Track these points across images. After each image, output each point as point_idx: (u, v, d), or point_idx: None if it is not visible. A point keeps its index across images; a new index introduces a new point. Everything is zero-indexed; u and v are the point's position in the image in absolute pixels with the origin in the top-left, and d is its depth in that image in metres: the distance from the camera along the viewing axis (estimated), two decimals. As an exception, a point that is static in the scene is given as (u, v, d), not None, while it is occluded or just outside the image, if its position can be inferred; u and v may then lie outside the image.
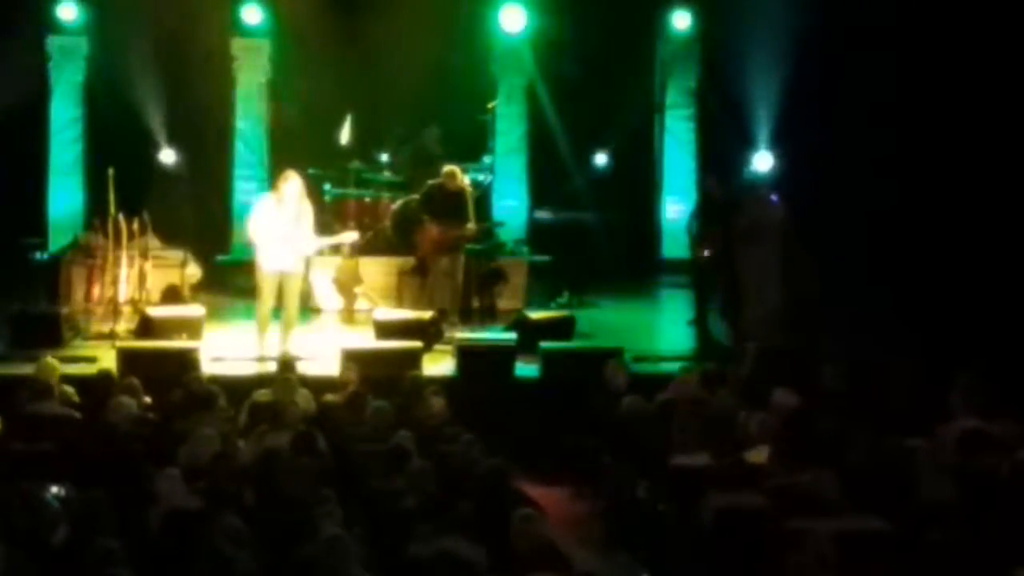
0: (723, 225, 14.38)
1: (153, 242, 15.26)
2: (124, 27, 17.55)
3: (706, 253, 14.55)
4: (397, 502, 8.65)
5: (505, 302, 15.79)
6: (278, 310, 13.45)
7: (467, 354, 13.15)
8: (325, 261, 15.69)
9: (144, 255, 15.01)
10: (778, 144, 17.71)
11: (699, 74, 18.65)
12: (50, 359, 11.72)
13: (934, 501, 8.35)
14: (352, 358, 12.37)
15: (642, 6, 18.50)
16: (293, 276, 13.42)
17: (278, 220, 13.26)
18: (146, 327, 13.92)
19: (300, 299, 13.71)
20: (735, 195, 14.99)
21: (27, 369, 11.84)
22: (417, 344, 13.19)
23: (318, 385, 11.88)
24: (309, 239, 13.50)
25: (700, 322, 14.70)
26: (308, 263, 14.55)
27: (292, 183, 13.29)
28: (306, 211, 13.40)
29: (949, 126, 16.54)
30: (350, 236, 14.72)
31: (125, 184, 14.82)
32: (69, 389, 11.35)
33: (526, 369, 13.21)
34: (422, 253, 15.40)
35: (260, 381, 11.91)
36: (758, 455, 9.62)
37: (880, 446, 9.61)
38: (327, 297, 15.79)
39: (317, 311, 15.60)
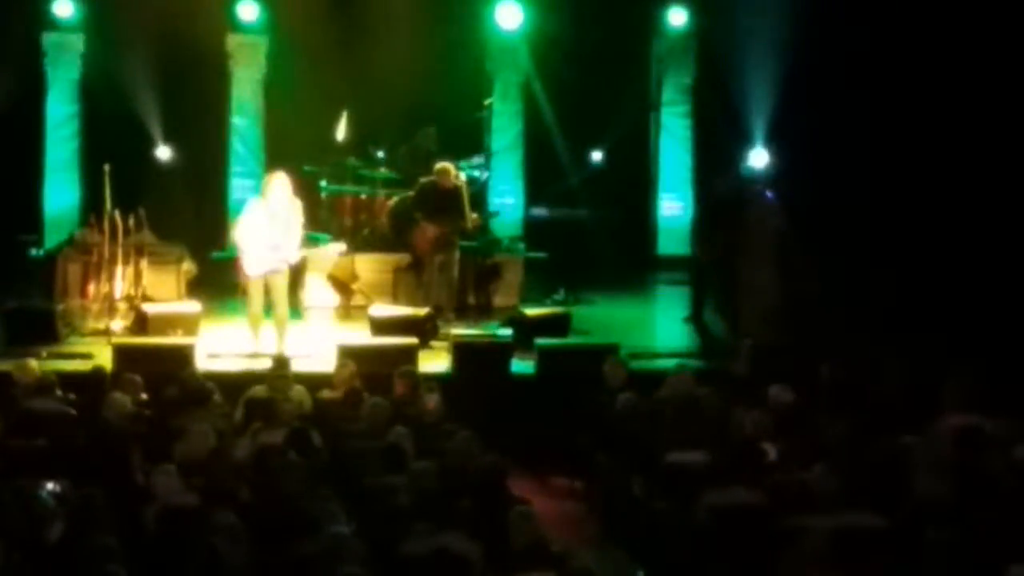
0: (727, 221, 14.38)
1: (149, 238, 15.25)
2: (120, 24, 17.52)
3: (708, 257, 14.56)
4: (393, 499, 8.64)
5: (501, 299, 15.79)
6: (271, 308, 13.45)
7: (463, 351, 13.15)
8: (321, 258, 15.68)
9: (140, 251, 14.98)
10: (774, 141, 17.69)
11: (695, 71, 18.64)
12: (30, 360, 11.70)
13: (930, 498, 8.35)
14: (348, 355, 12.35)
15: (638, 3, 18.50)
16: (279, 276, 13.35)
17: (266, 225, 13.15)
18: (142, 323, 13.93)
19: (291, 295, 13.69)
20: (739, 191, 14.99)
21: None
22: (413, 341, 13.19)
23: (314, 382, 11.87)
24: (296, 247, 13.40)
25: (697, 318, 14.70)
26: (303, 262, 14.53)
27: (278, 183, 13.19)
28: (296, 213, 13.31)
29: (946, 122, 16.53)
30: (337, 247, 14.70)
31: (121, 180, 14.79)
32: None
33: (522, 365, 13.21)
34: (418, 250, 15.38)
35: (255, 377, 11.90)
36: (769, 453, 9.62)
37: (876, 443, 9.62)
38: (323, 294, 15.77)
39: (309, 308, 15.56)
